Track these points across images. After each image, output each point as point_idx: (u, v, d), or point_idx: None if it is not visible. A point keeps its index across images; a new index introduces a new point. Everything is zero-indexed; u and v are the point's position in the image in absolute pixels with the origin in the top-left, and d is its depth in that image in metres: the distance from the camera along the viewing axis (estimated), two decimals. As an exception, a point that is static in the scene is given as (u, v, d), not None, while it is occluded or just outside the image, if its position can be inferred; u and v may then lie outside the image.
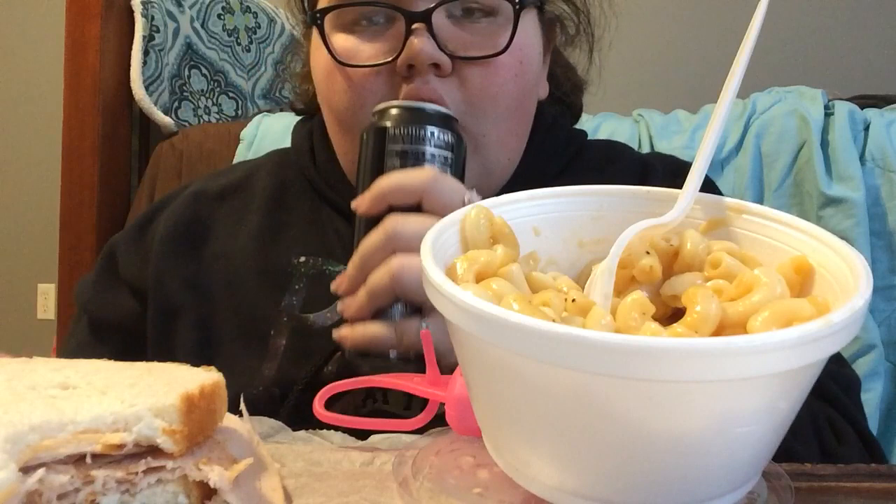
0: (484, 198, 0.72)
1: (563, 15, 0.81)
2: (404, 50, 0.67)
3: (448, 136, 0.64)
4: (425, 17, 0.66)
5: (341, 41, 0.71)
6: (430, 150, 0.63)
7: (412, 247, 0.54)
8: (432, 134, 0.63)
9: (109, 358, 0.78)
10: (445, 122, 0.65)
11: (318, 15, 0.71)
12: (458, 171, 0.65)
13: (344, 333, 0.61)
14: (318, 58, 0.73)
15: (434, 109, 0.65)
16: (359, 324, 0.60)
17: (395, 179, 0.60)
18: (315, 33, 0.73)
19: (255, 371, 0.73)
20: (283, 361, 0.73)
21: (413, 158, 0.63)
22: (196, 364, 0.74)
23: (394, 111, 0.65)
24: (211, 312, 0.78)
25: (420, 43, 0.65)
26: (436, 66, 0.67)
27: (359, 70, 0.69)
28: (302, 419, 0.57)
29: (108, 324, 0.82)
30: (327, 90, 0.73)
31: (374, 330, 0.60)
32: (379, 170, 0.63)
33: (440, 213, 0.51)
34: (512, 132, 0.73)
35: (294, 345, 0.73)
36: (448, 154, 0.64)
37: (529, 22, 0.73)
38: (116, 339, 0.82)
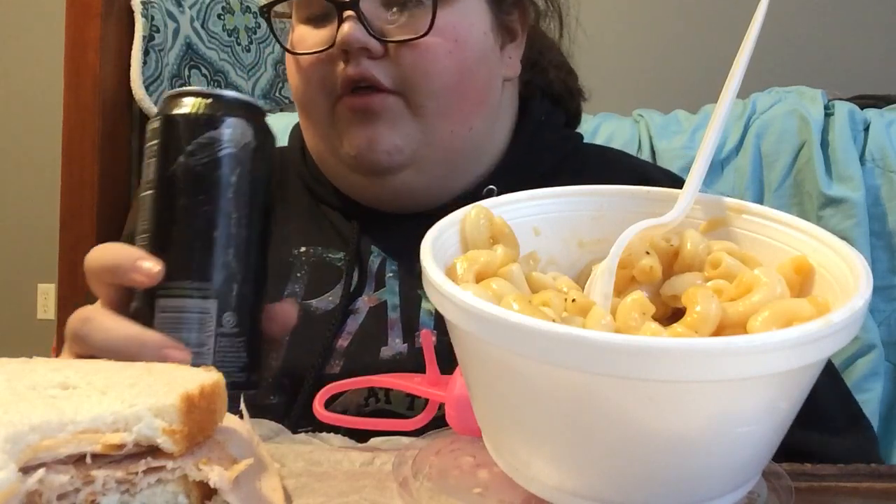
0: (437, 168, 0.75)
1: None
2: (337, 36, 0.72)
3: (247, 129, 0.54)
4: (353, 5, 0.71)
5: (298, 31, 0.77)
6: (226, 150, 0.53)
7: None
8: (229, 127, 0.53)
9: None
10: (245, 111, 0.55)
11: (264, 10, 0.78)
12: (258, 166, 0.55)
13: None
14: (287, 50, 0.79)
15: (232, 97, 0.55)
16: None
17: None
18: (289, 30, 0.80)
19: None
20: (289, 350, 0.73)
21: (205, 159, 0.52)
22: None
23: (187, 99, 0.54)
24: None
25: (349, 28, 0.71)
26: (367, 49, 0.72)
27: (307, 57, 0.75)
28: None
29: None
30: (288, 75, 0.80)
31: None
32: (165, 166, 0.53)
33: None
34: (454, 106, 0.75)
35: (298, 332, 0.73)
36: (244, 153, 0.53)
37: (470, 4, 0.76)
38: None
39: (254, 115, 0.55)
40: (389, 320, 0.74)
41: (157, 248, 0.52)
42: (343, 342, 0.74)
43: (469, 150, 0.78)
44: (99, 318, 0.53)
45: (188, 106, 0.53)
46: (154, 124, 0.54)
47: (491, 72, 0.79)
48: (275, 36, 0.78)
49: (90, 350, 0.53)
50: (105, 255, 0.54)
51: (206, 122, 0.53)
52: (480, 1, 0.78)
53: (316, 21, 0.76)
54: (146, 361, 0.46)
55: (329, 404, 0.69)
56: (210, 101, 0.53)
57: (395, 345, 0.73)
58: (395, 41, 0.72)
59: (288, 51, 0.77)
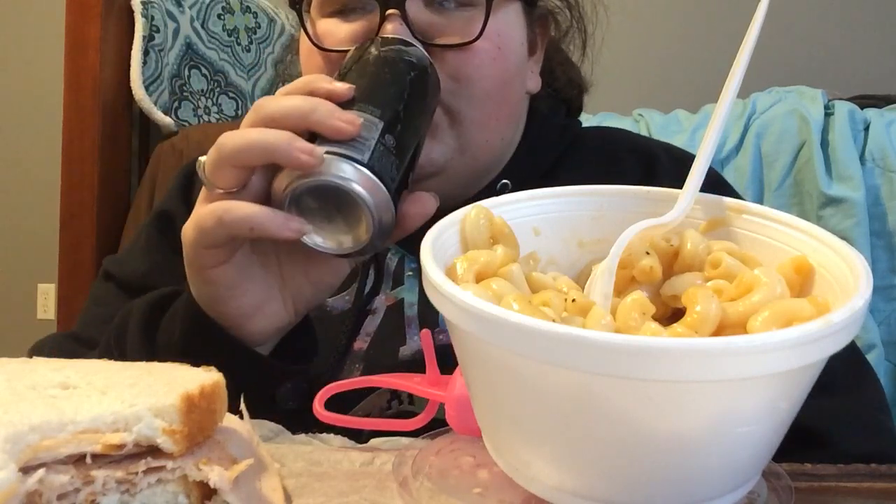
0: (462, 177, 0.75)
1: (555, 10, 0.83)
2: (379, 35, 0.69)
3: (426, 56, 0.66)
4: (399, 3, 0.68)
5: (322, 25, 0.73)
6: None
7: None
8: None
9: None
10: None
11: (297, 1, 0.74)
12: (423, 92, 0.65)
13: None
14: (303, 43, 0.76)
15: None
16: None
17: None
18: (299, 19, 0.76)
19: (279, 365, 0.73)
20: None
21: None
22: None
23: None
24: None
25: (393, 28, 0.67)
26: None
27: (337, 53, 0.71)
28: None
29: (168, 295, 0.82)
30: (307, 71, 0.75)
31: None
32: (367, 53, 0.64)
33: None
34: (491, 115, 0.74)
35: (312, 361, 0.73)
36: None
37: (512, 13, 0.75)
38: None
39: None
40: (407, 318, 0.74)
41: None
42: (362, 344, 0.73)
43: (496, 160, 0.78)
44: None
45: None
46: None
47: (523, 83, 0.78)
48: (305, 30, 0.73)
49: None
50: (294, 86, 0.59)
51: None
52: (519, 12, 0.76)
53: (345, 14, 0.72)
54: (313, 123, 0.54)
55: (351, 408, 0.70)
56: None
57: (414, 343, 0.72)
58: (442, 45, 0.70)
59: (318, 46, 0.72)
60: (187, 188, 0.85)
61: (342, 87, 0.58)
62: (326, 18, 0.73)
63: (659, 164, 0.82)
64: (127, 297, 0.80)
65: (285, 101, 0.57)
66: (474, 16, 0.71)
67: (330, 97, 0.57)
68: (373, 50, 0.64)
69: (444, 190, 0.73)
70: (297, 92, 0.58)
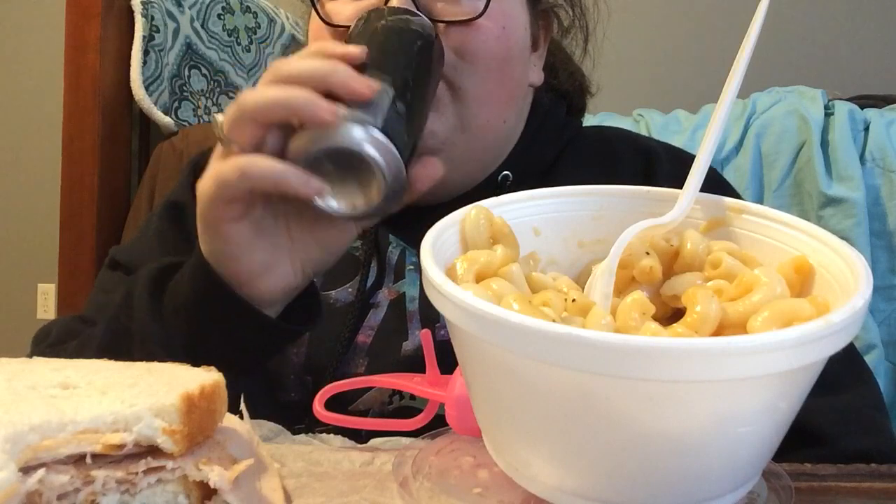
0: (464, 159, 0.75)
1: (556, 5, 0.84)
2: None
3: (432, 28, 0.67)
4: None
5: (331, 6, 0.74)
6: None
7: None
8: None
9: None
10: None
11: None
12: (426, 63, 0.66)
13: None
14: (312, 25, 0.76)
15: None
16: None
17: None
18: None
19: (284, 358, 0.73)
20: (310, 345, 0.73)
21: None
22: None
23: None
24: None
25: (399, 3, 0.68)
26: None
27: (341, 29, 0.72)
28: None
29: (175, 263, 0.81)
30: None
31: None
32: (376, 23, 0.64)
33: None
34: (493, 93, 0.75)
35: (318, 326, 0.73)
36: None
37: (514, 0, 0.76)
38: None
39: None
40: (408, 313, 0.74)
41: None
42: (365, 338, 0.73)
43: (497, 146, 0.78)
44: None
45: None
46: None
47: (524, 70, 0.79)
48: (315, 8, 0.74)
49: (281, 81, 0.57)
50: (309, 50, 0.60)
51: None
52: (522, 1, 0.78)
53: None
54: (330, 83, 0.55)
55: (351, 403, 0.70)
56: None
57: (416, 338, 0.72)
58: (448, 21, 0.71)
59: (327, 23, 0.73)
60: (197, 179, 0.85)
61: (357, 50, 0.58)
62: (333, 1, 0.74)
63: (659, 164, 0.82)
64: None
65: (304, 62, 0.57)
66: None
67: (345, 60, 0.58)
68: (379, 19, 0.65)
69: (447, 173, 0.73)
70: (312, 56, 0.59)
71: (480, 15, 0.71)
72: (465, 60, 0.71)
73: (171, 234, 0.83)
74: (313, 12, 0.76)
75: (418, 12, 0.67)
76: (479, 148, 0.76)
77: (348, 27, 0.70)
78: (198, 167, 0.86)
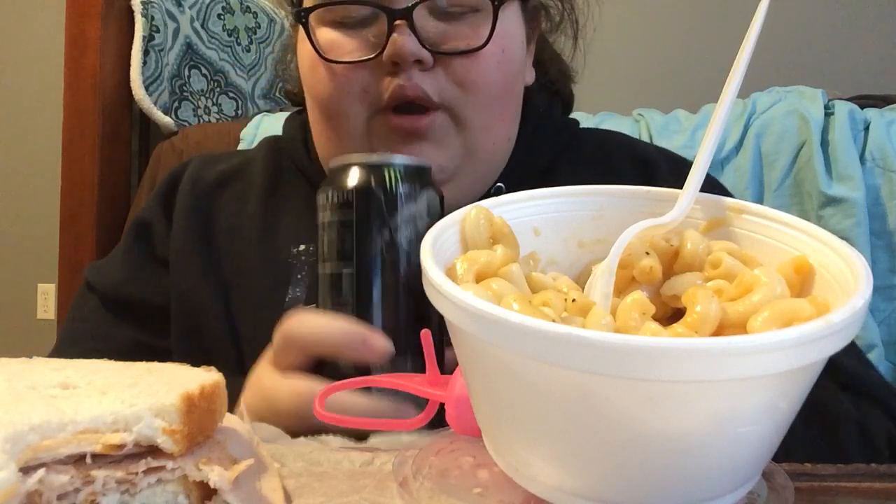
0: (472, 180, 0.75)
1: (546, 2, 0.84)
2: (387, 47, 0.68)
3: (436, 198, 0.57)
4: (407, 14, 0.67)
5: (325, 34, 0.73)
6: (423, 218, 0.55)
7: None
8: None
9: (133, 338, 0.76)
10: (428, 176, 0.57)
11: (303, 14, 0.73)
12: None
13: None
14: (303, 50, 0.75)
15: (415, 166, 0.57)
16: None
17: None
18: (301, 27, 0.75)
19: None
20: None
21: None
22: (226, 357, 0.73)
23: (374, 172, 0.55)
24: (228, 307, 0.79)
25: (402, 40, 0.67)
26: (419, 61, 0.69)
27: (342, 65, 0.71)
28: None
29: (140, 304, 0.81)
30: (311, 81, 0.75)
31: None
32: (365, 243, 0.55)
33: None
34: (497, 117, 0.74)
35: None
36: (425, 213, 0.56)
37: (512, 13, 0.75)
38: (143, 318, 0.81)
39: (431, 178, 0.57)
40: None
41: (367, 320, 0.54)
42: None
43: (500, 160, 0.78)
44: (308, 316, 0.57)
45: (382, 180, 0.54)
46: (337, 198, 0.54)
47: (523, 81, 0.79)
48: (313, 45, 0.72)
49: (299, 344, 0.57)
50: (319, 328, 0.56)
51: (407, 196, 0.54)
52: (517, 11, 0.76)
53: (349, 25, 0.71)
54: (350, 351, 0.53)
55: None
56: (402, 172, 0.54)
57: None
58: (451, 53, 0.69)
59: (325, 58, 0.71)
60: (170, 197, 0.85)
61: (383, 349, 0.56)
62: (328, 28, 0.73)
63: (658, 172, 0.82)
64: (107, 315, 0.81)
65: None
66: (480, 21, 0.71)
67: (374, 360, 0.56)
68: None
69: (453, 194, 0.71)
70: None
71: (484, 45, 0.70)
72: (468, 91, 0.71)
73: (137, 254, 0.84)
74: (300, 32, 0.75)
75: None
76: (487, 170, 0.76)
77: (357, 61, 0.69)
78: (172, 186, 0.86)
